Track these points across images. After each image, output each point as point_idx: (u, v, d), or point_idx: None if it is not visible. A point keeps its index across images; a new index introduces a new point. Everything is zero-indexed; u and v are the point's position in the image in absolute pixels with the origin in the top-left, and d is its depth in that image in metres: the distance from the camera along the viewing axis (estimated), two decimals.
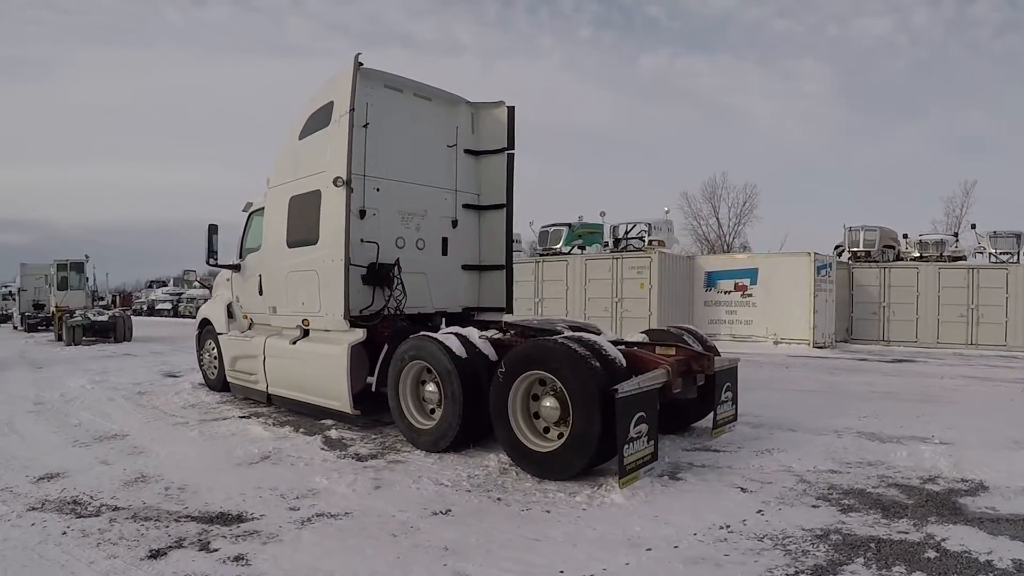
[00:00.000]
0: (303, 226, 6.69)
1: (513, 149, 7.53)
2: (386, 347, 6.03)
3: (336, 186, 6.10)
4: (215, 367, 8.92)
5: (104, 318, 20.43)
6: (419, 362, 5.54)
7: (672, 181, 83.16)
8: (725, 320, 16.70)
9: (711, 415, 5.46)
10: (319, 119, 6.61)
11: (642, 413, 4.23)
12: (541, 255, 19.03)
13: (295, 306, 6.96)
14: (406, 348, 5.66)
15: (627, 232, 18.02)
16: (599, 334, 6.30)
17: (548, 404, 4.58)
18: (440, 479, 4.56)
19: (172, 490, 4.45)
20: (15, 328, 27.60)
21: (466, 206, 7.54)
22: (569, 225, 19.40)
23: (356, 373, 6.08)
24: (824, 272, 15.75)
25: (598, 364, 4.33)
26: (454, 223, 7.42)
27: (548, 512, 3.81)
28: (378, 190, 6.70)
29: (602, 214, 18.50)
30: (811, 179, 66.90)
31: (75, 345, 19.06)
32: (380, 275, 6.53)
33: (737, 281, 16.56)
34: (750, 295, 16.38)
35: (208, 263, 8.74)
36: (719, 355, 5.81)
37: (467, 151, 7.54)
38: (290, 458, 5.29)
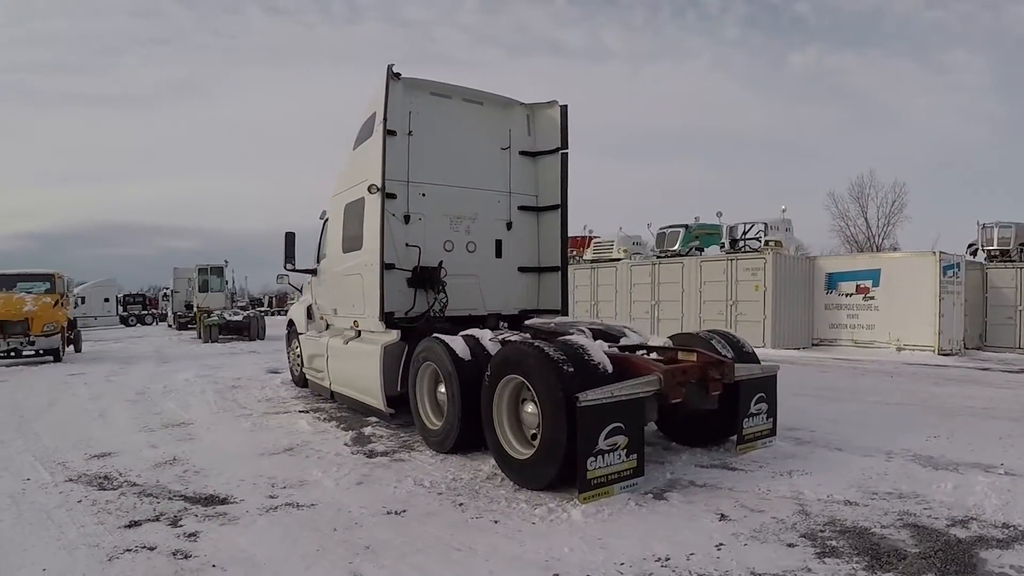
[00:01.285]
0: (353, 232, 7.16)
1: (567, 148, 7.51)
2: (406, 348, 6.26)
3: (371, 193, 6.47)
4: (298, 364, 9.76)
5: (239, 318, 23.01)
6: (430, 364, 5.71)
7: (818, 181, 77.79)
8: (846, 324, 15.75)
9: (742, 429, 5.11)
10: (366, 130, 7.05)
11: (617, 424, 4.04)
12: (658, 257, 19.09)
13: (348, 308, 7.46)
14: (420, 349, 5.86)
15: (744, 232, 17.49)
16: (620, 337, 6.12)
17: (529, 410, 4.53)
18: (424, 480, 4.68)
19: (188, 473, 5.00)
20: (169, 326, 31.93)
21: (522, 208, 7.62)
22: (686, 226, 19.17)
23: (390, 373, 6.36)
24: (951, 273, 14.26)
25: (571, 369, 4.19)
26: (508, 225, 7.53)
27: (495, 522, 3.78)
28: (424, 195, 6.97)
29: (719, 214, 17.87)
30: (966, 177, 59.75)
31: (211, 342, 21.66)
32: (423, 278, 6.79)
33: (859, 283, 15.56)
34: (872, 297, 15.31)
35: (286, 268, 9.60)
36: (757, 362, 5.47)
37: (523, 153, 7.62)
38: (310, 451, 5.70)
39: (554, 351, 4.32)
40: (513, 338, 5.77)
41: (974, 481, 4.43)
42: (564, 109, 7.50)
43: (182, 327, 28.56)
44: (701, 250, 18.50)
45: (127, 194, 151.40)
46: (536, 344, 4.48)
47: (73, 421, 7.27)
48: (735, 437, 5.13)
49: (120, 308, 41.31)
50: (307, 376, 9.14)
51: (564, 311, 7.69)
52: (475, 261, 7.26)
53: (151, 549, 3.48)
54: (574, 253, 23.56)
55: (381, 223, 6.38)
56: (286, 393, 9.26)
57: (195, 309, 25.41)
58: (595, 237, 23.00)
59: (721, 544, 3.34)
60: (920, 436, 5.88)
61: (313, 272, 9.31)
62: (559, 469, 4.12)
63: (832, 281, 16.16)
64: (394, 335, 6.37)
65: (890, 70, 66.31)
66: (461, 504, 4.13)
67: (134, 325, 39.89)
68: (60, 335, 14.79)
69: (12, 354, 13.94)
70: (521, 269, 7.65)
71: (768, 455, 5.19)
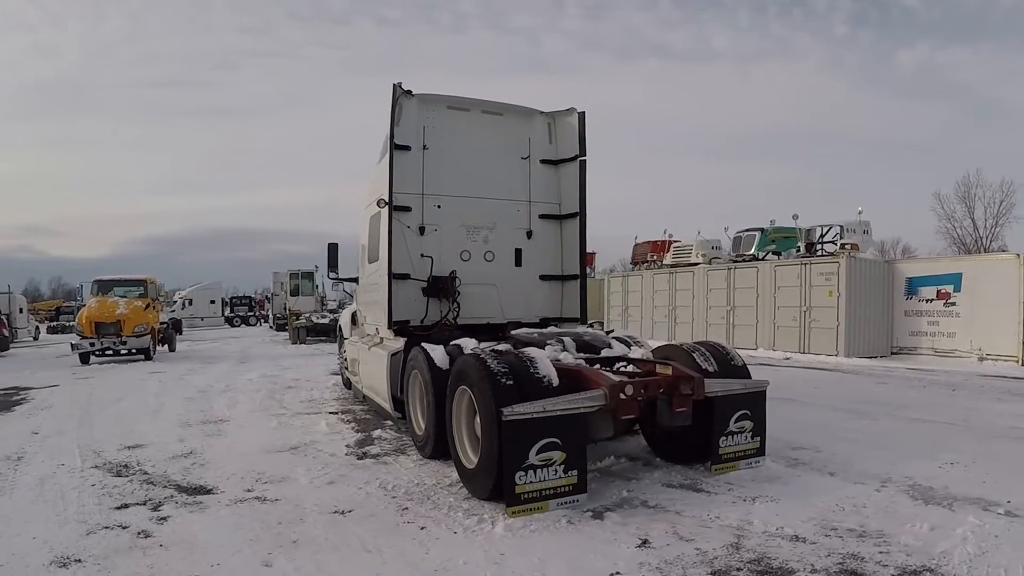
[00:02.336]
0: (374, 244, 7.70)
1: (584, 155, 7.64)
2: (403, 356, 6.67)
3: (379, 207, 6.97)
4: (345, 367, 10.51)
5: (325, 320, 24.68)
6: (416, 371, 6.08)
7: (927, 181, 71.72)
8: (926, 332, 14.84)
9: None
10: (384, 146, 7.56)
11: (552, 439, 4.14)
12: (734, 261, 18.89)
13: (373, 315, 8.03)
14: (410, 357, 6.25)
15: (822, 235, 16.83)
16: (602, 348, 6.14)
17: (478, 420, 4.71)
18: (390, 483, 5.01)
19: (195, 465, 5.68)
20: (270, 327, 34.55)
21: (543, 216, 7.81)
22: (762, 230, 18.76)
23: (395, 379, 6.76)
24: None
25: (510, 382, 4.34)
26: (528, 234, 7.73)
27: (422, 529, 4.02)
28: (439, 207, 7.32)
29: (795, 217, 17.16)
30: None
31: (299, 343, 23.38)
32: (436, 287, 7.16)
33: (939, 288, 14.53)
34: (953, 304, 14.29)
35: (329, 276, 10.39)
36: (747, 376, 5.37)
37: (544, 161, 7.81)
38: (311, 450, 6.24)
39: (496, 364, 4.49)
40: (500, 347, 6.02)
41: (960, 522, 4.07)
42: (582, 116, 7.62)
43: (279, 328, 30.98)
44: (778, 254, 17.97)
45: (246, 200, 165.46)
46: (480, 356, 4.67)
47: (127, 415, 8.34)
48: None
49: (227, 309, 45.16)
50: (350, 379, 9.82)
51: (584, 319, 7.81)
52: (493, 270, 7.51)
53: (124, 528, 4.09)
54: (654, 258, 23.51)
55: (389, 235, 6.84)
56: (330, 395, 9.99)
57: (288, 312, 27.48)
58: (675, 241, 22.76)
59: (617, 573, 3.37)
60: (936, 461, 5.43)
61: (355, 280, 10.01)
62: (495, 481, 4.28)
63: (912, 286, 15.17)
64: (401, 342, 6.78)
65: (1001, 64, 60.24)
66: (405, 508, 4.43)
67: (238, 326, 43.60)
68: (150, 336, 16.62)
69: (106, 352, 15.88)
70: (543, 277, 7.82)
71: (747, 477, 5.04)
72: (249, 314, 46.81)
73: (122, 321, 15.92)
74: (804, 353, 15.64)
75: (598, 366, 5.34)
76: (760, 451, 5.24)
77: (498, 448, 4.19)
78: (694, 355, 5.41)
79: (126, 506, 4.53)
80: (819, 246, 16.64)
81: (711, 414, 4.96)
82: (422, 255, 7.14)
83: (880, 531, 3.95)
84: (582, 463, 4.31)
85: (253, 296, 52.70)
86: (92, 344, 15.52)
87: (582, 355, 5.84)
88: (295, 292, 29.11)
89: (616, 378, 4.73)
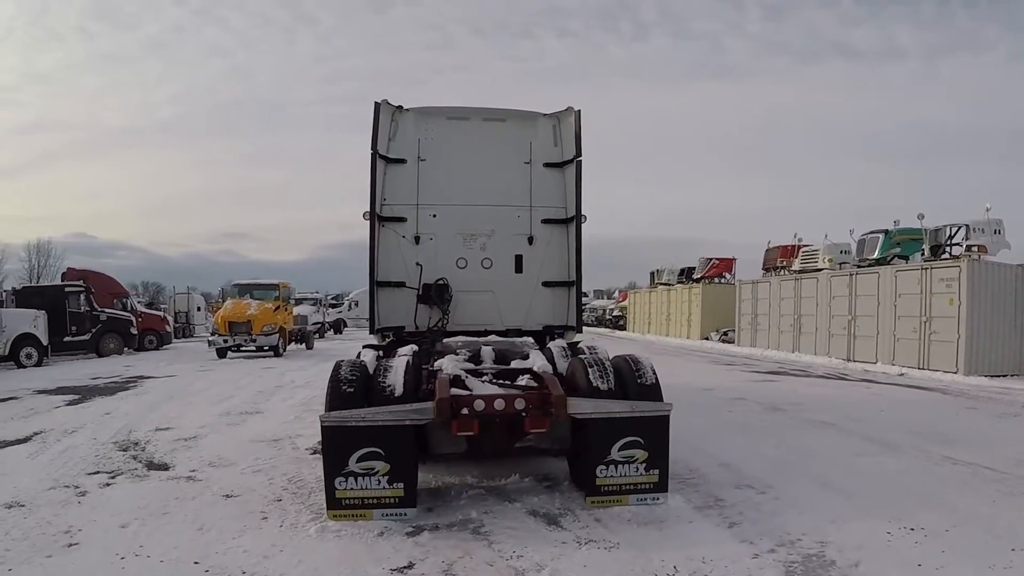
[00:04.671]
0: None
1: (581, 156, 7.70)
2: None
3: (364, 219, 7.59)
4: None
5: None
6: None
7: None
8: None
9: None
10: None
11: (374, 449, 4.49)
12: (857, 266, 17.89)
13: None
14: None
15: (950, 236, 15.16)
16: (512, 359, 6.05)
17: None
18: (297, 477, 5.85)
19: (184, 448, 7.13)
20: None
21: (546, 221, 7.86)
22: (886, 231, 17.42)
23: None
24: None
25: (351, 390, 4.80)
26: (530, 240, 7.84)
27: (264, 519, 4.72)
28: (434, 216, 7.71)
29: (920, 216, 15.57)
30: None
31: None
32: (427, 296, 7.64)
33: None
34: None
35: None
36: (655, 398, 5.00)
37: (548, 164, 7.88)
38: (284, 444, 7.33)
39: (347, 371, 4.98)
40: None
41: None
42: (578, 115, 7.72)
43: None
44: (904, 258, 16.54)
45: None
46: (339, 362, 5.21)
47: (192, 404, 10.32)
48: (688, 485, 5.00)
49: None
50: None
51: (579, 328, 7.88)
52: (491, 277, 7.77)
53: (75, 488, 5.50)
54: (783, 263, 22.38)
55: (371, 246, 7.46)
56: None
57: None
58: (804, 245, 21.52)
59: None
60: (896, 524, 4.61)
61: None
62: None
63: None
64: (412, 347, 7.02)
65: None
66: (279, 500, 5.16)
67: None
68: (279, 334, 19.45)
69: (241, 348, 18.89)
70: (546, 284, 7.91)
71: (624, 515, 4.73)
72: None
73: (252, 321, 18.94)
74: (922, 369, 14.05)
75: (486, 378, 5.26)
76: (659, 487, 4.87)
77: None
78: (590, 371, 5.18)
79: (96, 473, 6.00)
80: (946, 248, 14.94)
81: (587, 439, 4.82)
82: (417, 263, 7.62)
83: None
84: (409, 477, 4.57)
85: None
86: (226, 341, 18.68)
87: (489, 367, 5.81)
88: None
89: (462, 393, 4.78)
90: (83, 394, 11.61)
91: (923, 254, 15.84)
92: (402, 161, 7.66)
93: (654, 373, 5.30)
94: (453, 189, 7.73)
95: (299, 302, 29.92)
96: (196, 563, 3.95)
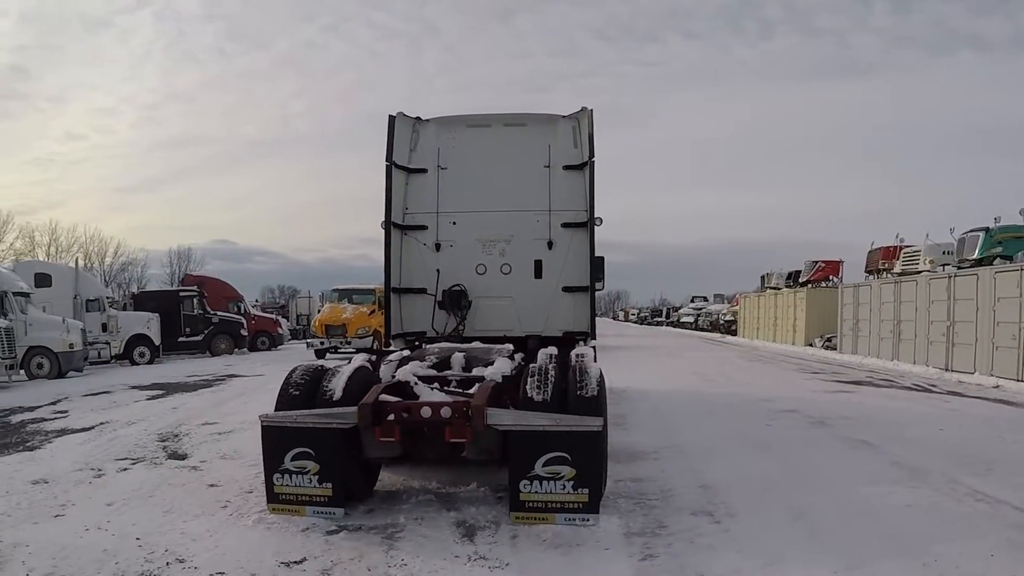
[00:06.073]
0: None
1: (594, 157, 7.81)
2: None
3: (382, 228, 8.11)
4: None
5: None
6: None
7: None
8: None
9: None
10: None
11: (305, 449, 4.88)
12: (957, 267, 16.66)
13: None
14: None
15: None
16: (476, 365, 6.07)
17: None
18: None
19: (213, 441, 8.06)
20: None
21: (566, 225, 7.96)
22: (986, 229, 15.83)
23: None
24: None
25: (297, 393, 5.25)
26: (550, 244, 8.00)
27: (224, 507, 5.31)
28: (454, 223, 8.07)
29: (1022, 212, 13.95)
30: None
31: None
32: (447, 301, 8.05)
33: None
34: None
35: None
36: (591, 413, 4.82)
37: (568, 167, 8.00)
38: None
39: (299, 375, 5.43)
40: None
41: None
42: (590, 115, 7.84)
43: None
44: (1008, 258, 14.93)
45: None
46: (296, 367, 5.65)
47: (255, 400, 11.38)
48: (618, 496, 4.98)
49: None
50: None
51: (592, 334, 7.95)
52: (510, 283, 8.03)
53: (96, 471, 6.49)
54: (885, 266, 21.17)
55: (386, 253, 8.01)
56: None
57: None
58: (906, 246, 20.04)
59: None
60: (854, 572, 4.14)
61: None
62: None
63: None
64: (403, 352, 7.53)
65: None
66: (250, 492, 5.64)
67: None
68: (372, 337, 20.73)
69: (338, 350, 20.35)
70: (566, 289, 7.99)
71: (541, 535, 4.57)
72: None
73: (347, 324, 20.37)
74: (1020, 381, 12.49)
75: (436, 385, 5.48)
76: (588, 507, 4.71)
77: None
78: (528, 381, 5.13)
79: (123, 459, 6.99)
80: None
81: (514, 453, 4.82)
82: (437, 270, 8.04)
83: None
84: (336, 478, 4.91)
85: None
86: (322, 343, 20.21)
87: (454, 374, 5.89)
88: None
89: (389, 399, 5.00)
90: (168, 390, 13.34)
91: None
92: (423, 171, 8.07)
93: (599, 385, 5.15)
94: (473, 196, 8.03)
95: None
96: (137, 539, 4.60)
